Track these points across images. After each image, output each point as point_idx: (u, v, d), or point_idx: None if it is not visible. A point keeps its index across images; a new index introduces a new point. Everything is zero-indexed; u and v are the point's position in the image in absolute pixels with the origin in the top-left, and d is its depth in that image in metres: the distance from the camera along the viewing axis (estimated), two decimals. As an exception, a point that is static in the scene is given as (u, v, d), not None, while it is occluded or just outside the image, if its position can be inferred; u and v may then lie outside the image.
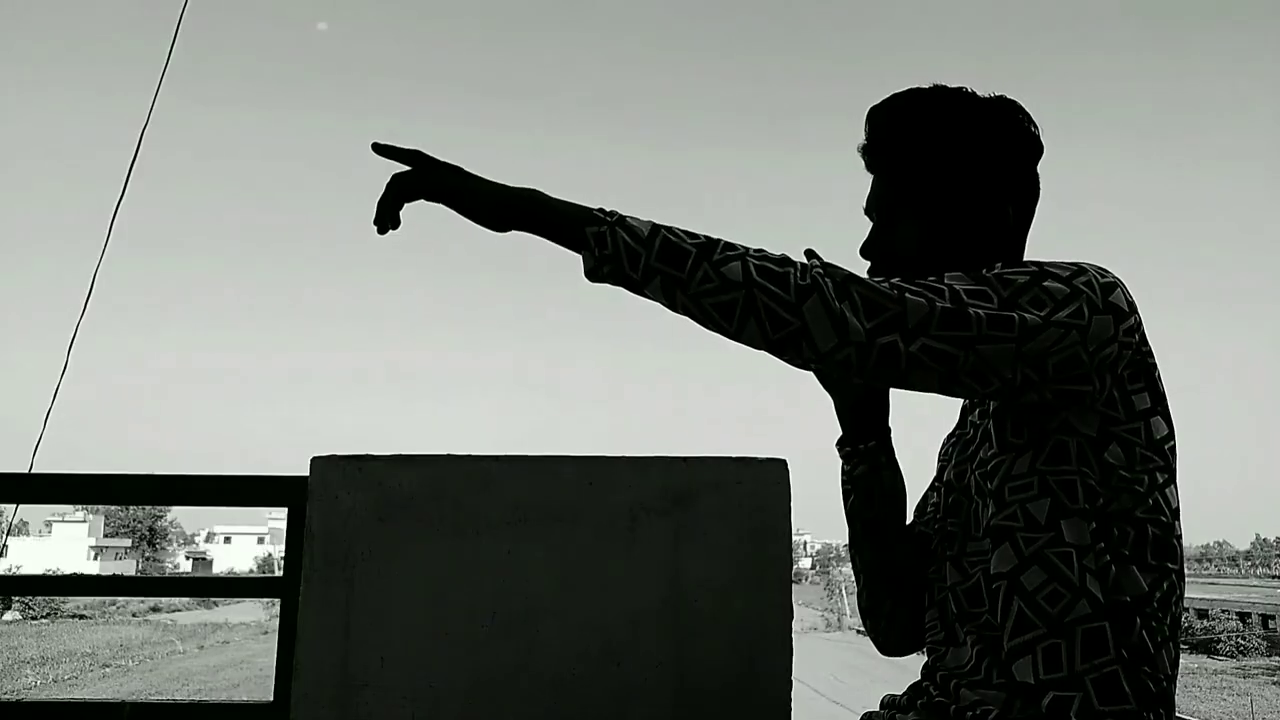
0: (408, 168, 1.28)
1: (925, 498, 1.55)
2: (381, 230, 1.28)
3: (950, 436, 1.52)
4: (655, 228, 1.21)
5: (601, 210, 1.22)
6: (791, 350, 1.17)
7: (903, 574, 1.51)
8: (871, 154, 1.45)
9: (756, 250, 1.20)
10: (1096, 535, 1.22)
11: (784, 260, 1.18)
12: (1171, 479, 1.27)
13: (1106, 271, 1.25)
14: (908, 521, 1.54)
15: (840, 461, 1.59)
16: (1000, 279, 1.19)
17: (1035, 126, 1.43)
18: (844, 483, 1.56)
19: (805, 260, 1.20)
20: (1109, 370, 1.22)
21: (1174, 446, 1.28)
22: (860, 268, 1.42)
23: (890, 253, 1.42)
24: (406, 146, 1.28)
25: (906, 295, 1.15)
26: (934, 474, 1.55)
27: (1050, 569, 1.22)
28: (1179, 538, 1.26)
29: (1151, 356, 1.29)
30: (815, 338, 1.14)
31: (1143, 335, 1.26)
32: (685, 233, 1.21)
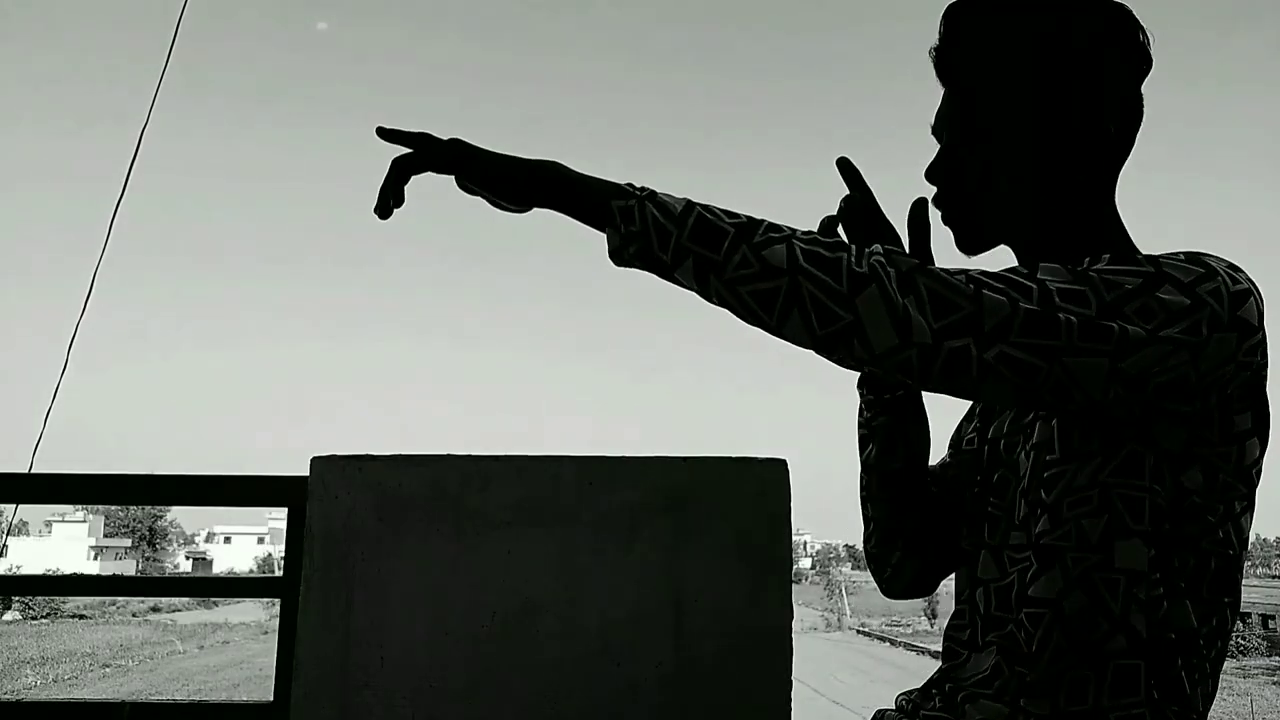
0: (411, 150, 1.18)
1: (960, 432, 1.44)
2: (383, 213, 1.20)
3: None
4: (690, 204, 1.08)
5: (631, 185, 1.11)
6: (841, 349, 1.02)
7: (918, 525, 1.41)
8: (944, 59, 1.26)
9: (806, 233, 1.07)
10: (1154, 563, 1.08)
11: (837, 245, 1.04)
12: (1250, 506, 1.12)
13: (1239, 273, 1.06)
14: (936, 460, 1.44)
15: (859, 402, 1.45)
16: (1105, 279, 1.02)
17: (1145, 36, 1.21)
18: (861, 427, 1.45)
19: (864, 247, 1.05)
20: (1216, 391, 1.06)
21: (1260, 469, 1.12)
22: (927, 191, 1.30)
23: (960, 175, 1.26)
24: (412, 130, 1.20)
25: (984, 292, 1.00)
26: (969, 417, 1.43)
27: (1094, 596, 1.08)
28: (1241, 568, 1.14)
29: (1266, 371, 1.10)
30: (870, 336, 1.00)
31: (1265, 351, 1.07)
32: (724, 211, 1.08)
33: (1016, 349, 0.99)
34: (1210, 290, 1.02)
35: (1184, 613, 1.09)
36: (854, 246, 1.04)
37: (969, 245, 1.28)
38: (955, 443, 1.45)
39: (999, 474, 1.25)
